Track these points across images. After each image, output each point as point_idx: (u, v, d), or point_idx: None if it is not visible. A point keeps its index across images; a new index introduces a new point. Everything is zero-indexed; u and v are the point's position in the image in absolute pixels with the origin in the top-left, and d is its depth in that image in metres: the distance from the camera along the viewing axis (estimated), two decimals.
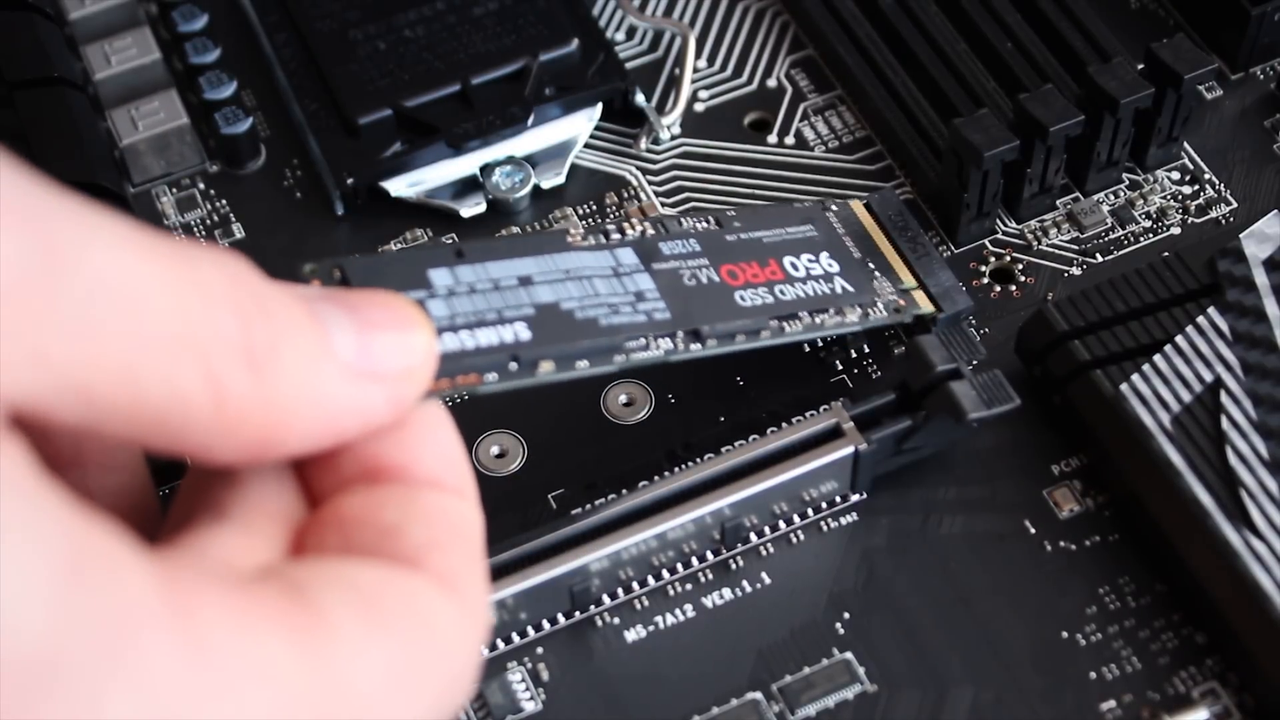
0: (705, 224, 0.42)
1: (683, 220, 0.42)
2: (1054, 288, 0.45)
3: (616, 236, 0.40)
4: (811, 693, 0.38)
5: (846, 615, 0.39)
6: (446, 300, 0.36)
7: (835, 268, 0.42)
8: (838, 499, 0.41)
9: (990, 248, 0.46)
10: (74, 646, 0.23)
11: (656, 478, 0.41)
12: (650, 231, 0.41)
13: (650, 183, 0.48)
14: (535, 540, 0.38)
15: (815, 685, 0.38)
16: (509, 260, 0.38)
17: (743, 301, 0.40)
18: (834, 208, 0.44)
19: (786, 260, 0.42)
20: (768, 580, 0.40)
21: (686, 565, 0.40)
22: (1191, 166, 0.47)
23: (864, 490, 0.41)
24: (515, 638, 0.39)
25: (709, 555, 0.40)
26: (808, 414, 0.42)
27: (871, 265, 0.43)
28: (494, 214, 0.47)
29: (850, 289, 0.42)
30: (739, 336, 0.40)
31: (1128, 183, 0.47)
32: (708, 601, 0.40)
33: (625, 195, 0.47)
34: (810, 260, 0.42)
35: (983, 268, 0.45)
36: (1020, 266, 0.45)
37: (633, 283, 0.39)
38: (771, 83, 0.50)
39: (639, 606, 0.40)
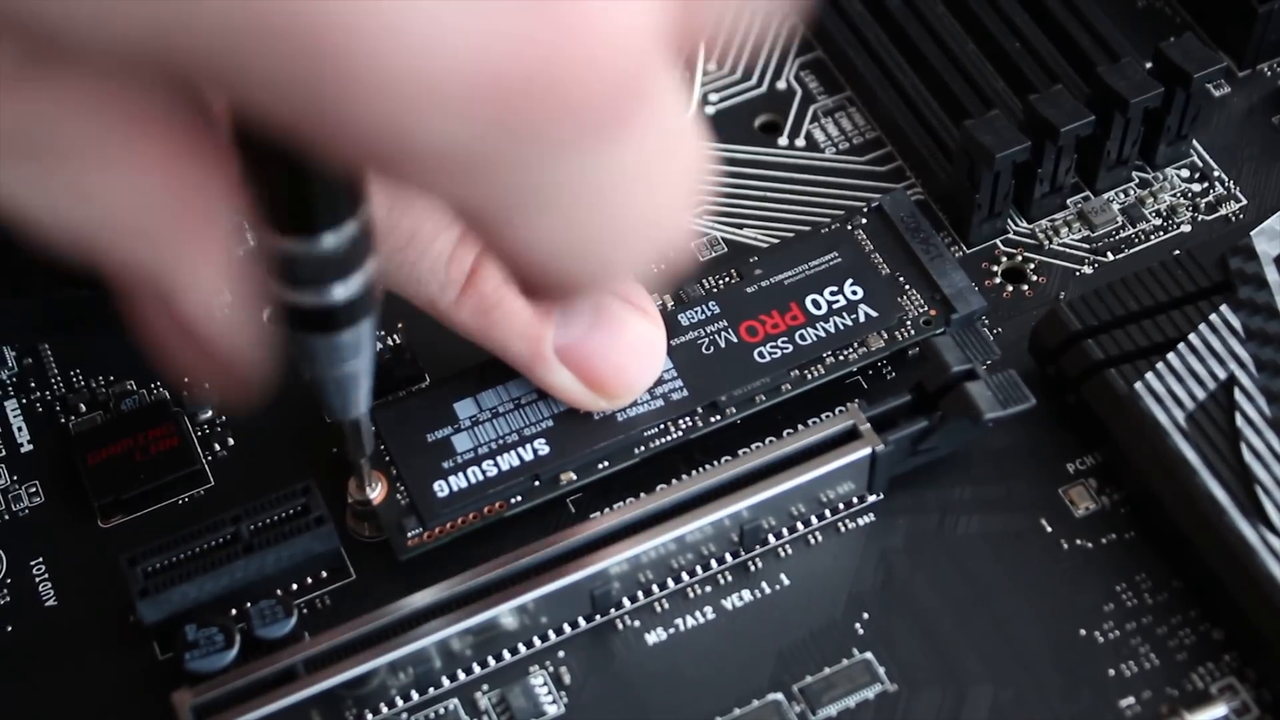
0: (727, 279, 0.43)
1: (704, 282, 0.43)
2: (1066, 287, 0.45)
3: None
4: (832, 693, 0.38)
5: (865, 615, 0.39)
6: (471, 432, 0.40)
7: (859, 294, 0.42)
8: (855, 500, 0.41)
9: (1002, 247, 0.46)
10: None
11: (674, 480, 0.41)
12: (670, 304, 0.42)
13: None
14: (555, 545, 0.38)
15: (836, 685, 0.38)
16: None
17: (762, 359, 0.41)
18: (864, 221, 0.44)
19: (809, 300, 0.42)
20: (787, 581, 0.40)
21: (706, 567, 0.40)
22: (1201, 164, 0.47)
23: (881, 491, 0.41)
24: (537, 641, 0.39)
25: (728, 557, 0.40)
26: (824, 415, 0.42)
27: (902, 279, 0.43)
28: None
29: (875, 314, 0.42)
30: (759, 398, 0.41)
31: (1137, 181, 0.47)
32: (727, 603, 0.40)
33: None
34: (833, 293, 0.42)
35: (995, 268, 0.45)
36: (1032, 266, 0.45)
37: None
38: (781, 85, 0.50)
39: (659, 609, 0.40)
